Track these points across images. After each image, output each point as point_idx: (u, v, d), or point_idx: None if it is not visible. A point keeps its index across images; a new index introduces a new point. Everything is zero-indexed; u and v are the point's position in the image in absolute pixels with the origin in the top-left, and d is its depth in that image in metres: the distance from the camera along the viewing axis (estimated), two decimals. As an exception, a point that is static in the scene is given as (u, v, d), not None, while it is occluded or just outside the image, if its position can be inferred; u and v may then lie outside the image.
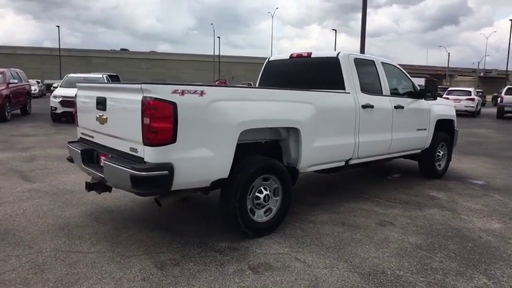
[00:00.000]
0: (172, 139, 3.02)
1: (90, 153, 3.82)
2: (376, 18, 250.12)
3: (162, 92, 2.99)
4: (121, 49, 79.78)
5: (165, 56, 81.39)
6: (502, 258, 3.43)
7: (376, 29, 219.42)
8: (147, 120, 2.96)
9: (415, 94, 5.62)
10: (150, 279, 2.93)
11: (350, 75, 4.68)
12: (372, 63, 5.11)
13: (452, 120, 6.44)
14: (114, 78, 17.45)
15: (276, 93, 3.87)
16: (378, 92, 5.04)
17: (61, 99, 13.33)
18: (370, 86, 4.92)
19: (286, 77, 5.36)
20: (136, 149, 3.14)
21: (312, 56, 5.09)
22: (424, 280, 3.00)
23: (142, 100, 2.98)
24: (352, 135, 4.59)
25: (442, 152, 6.32)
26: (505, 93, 19.87)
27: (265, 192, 3.72)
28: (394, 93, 5.35)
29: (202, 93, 3.18)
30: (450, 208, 4.80)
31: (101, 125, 3.58)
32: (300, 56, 5.24)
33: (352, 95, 4.59)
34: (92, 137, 3.87)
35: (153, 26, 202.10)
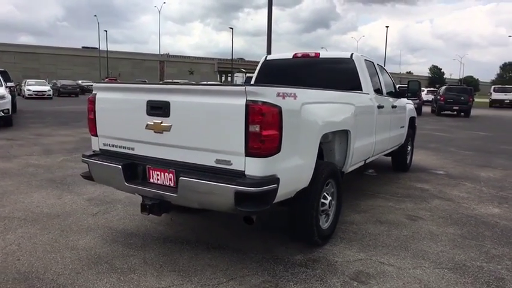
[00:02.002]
0: (278, 148, 2.70)
1: (134, 168, 3.18)
2: (257, 18, 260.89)
3: (270, 95, 2.64)
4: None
5: (38, 49, 72.03)
6: (531, 238, 3.92)
7: (257, 29, 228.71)
8: (255, 128, 2.58)
9: (398, 94, 6.02)
10: (268, 308, 2.58)
11: (365, 76, 4.79)
12: (373, 64, 5.31)
13: (415, 117, 7.10)
14: (3, 75, 14.96)
15: (338, 95, 3.77)
16: (381, 92, 5.27)
17: None
18: (376, 87, 5.12)
19: (290, 77, 5.23)
20: (229, 161, 2.72)
21: (320, 56, 5.07)
22: (501, 267, 3.26)
23: (247, 104, 2.58)
24: (373, 135, 4.73)
25: (409, 147, 6.92)
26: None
27: (329, 198, 3.58)
28: (387, 93, 5.66)
29: (295, 95, 2.91)
30: (446, 198, 5.29)
31: (157, 134, 3.00)
32: (306, 55, 5.17)
33: (370, 96, 4.72)
34: (132, 148, 3.23)
35: (11, 15, 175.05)
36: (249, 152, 2.63)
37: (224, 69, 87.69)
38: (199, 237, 3.73)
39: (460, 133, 13.73)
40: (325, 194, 3.55)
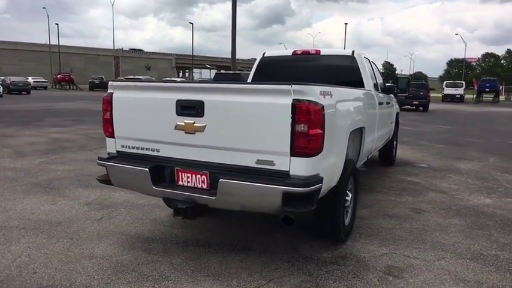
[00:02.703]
0: (322, 147, 2.69)
1: (160, 171, 3.04)
2: (212, 14, 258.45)
3: (314, 94, 2.62)
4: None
5: (-22, 43, 66.91)
6: (529, 226, 4.18)
7: (212, 24, 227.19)
8: (301, 128, 2.55)
9: (388, 90, 6.19)
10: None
11: (366, 73, 4.88)
12: (369, 61, 5.42)
13: (399, 112, 7.34)
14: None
15: (356, 93, 3.81)
16: (377, 89, 5.39)
17: None
18: (374, 83, 5.23)
19: (290, 74, 5.20)
20: (272, 162, 2.66)
21: (321, 53, 5.09)
22: (514, 255, 3.45)
23: (294, 104, 2.54)
24: (375, 131, 4.83)
25: (395, 142, 7.16)
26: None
27: (350, 195, 3.62)
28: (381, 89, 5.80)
29: (331, 94, 2.90)
30: (439, 190, 5.53)
31: (188, 134, 2.88)
32: (306, 53, 5.18)
33: (373, 93, 4.81)
34: (157, 150, 3.08)
35: None
36: (295, 152, 2.60)
37: (183, 65, 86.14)
38: (221, 239, 3.64)
39: (425, 127, 14.40)
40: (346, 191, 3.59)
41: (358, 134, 4.01)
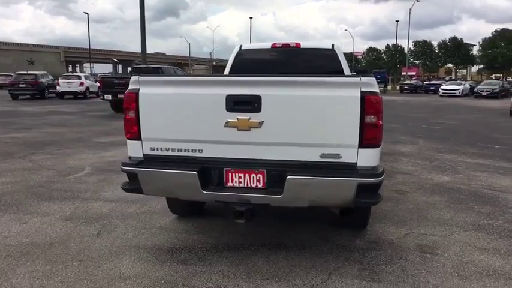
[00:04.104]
0: (382, 137, 2.75)
1: (207, 173, 2.78)
2: (99, 3, 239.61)
3: (376, 85, 2.65)
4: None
5: None
6: (497, 197, 4.82)
7: (100, 15, 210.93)
8: (371, 119, 2.58)
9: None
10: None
11: (346, 65, 5.09)
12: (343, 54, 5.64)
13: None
14: None
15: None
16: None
17: None
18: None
19: (268, 67, 5.18)
20: (338, 154, 2.64)
21: (301, 46, 5.14)
22: (502, 222, 3.96)
23: (363, 96, 2.55)
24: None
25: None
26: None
27: (367, 183, 3.76)
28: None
29: (377, 84, 2.97)
30: (403, 172, 6.05)
31: (242, 132, 2.68)
32: (286, 45, 5.18)
33: (354, 84, 5.04)
34: (199, 150, 2.80)
35: None
36: (363, 143, 2.61)
37: (74, 58, 78.64)
38: (248, 240, 3.48)
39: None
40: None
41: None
